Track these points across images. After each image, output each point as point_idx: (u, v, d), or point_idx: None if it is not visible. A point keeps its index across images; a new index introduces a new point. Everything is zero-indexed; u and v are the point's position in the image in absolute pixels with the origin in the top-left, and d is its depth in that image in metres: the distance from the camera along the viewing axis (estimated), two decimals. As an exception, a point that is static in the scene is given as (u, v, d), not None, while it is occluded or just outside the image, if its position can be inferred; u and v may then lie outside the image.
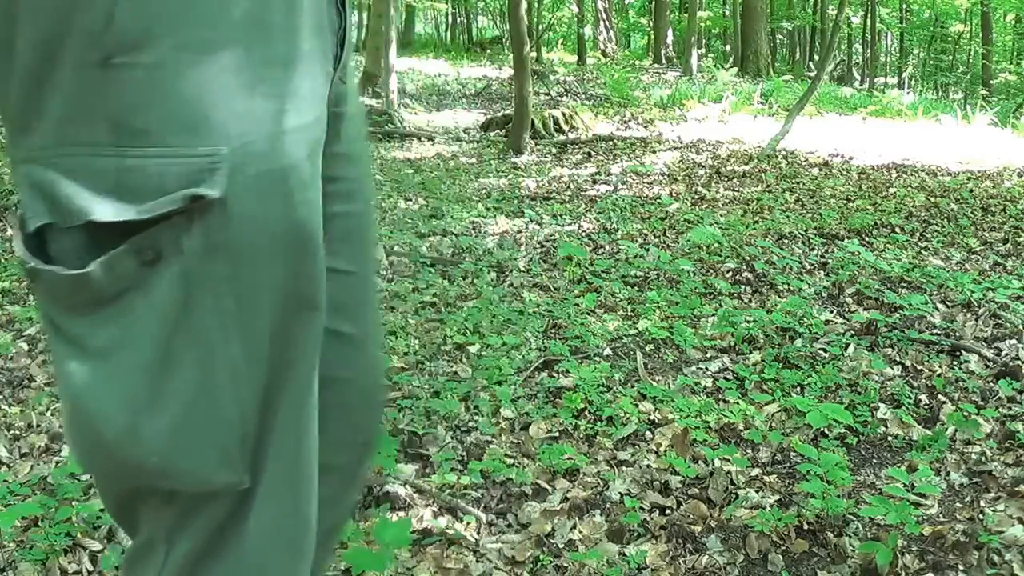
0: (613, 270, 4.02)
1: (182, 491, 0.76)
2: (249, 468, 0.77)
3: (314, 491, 0.86)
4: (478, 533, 1.95)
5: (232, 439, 0.75)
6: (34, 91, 0.69)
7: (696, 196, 6.06)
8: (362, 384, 1.07)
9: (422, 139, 8.97)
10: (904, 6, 25.74)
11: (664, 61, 19.77)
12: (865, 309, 3.55)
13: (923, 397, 2.68)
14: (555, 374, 2.81)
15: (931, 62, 25.69)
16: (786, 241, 4.72)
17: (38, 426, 2.42)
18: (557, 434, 2.42)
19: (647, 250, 4.40)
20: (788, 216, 5.35)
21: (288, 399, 0.78)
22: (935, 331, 3.27)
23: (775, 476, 2.22)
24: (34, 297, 0.73)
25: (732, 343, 3.11)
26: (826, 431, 2.44)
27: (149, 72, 0.68)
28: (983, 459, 2.31)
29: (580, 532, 1.96)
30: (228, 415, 0.74)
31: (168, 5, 0.68)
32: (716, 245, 4.49)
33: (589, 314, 3.41)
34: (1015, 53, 24.99)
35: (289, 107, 0.74)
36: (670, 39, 20.94)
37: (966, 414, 2.54)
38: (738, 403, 2.59)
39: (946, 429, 2.46)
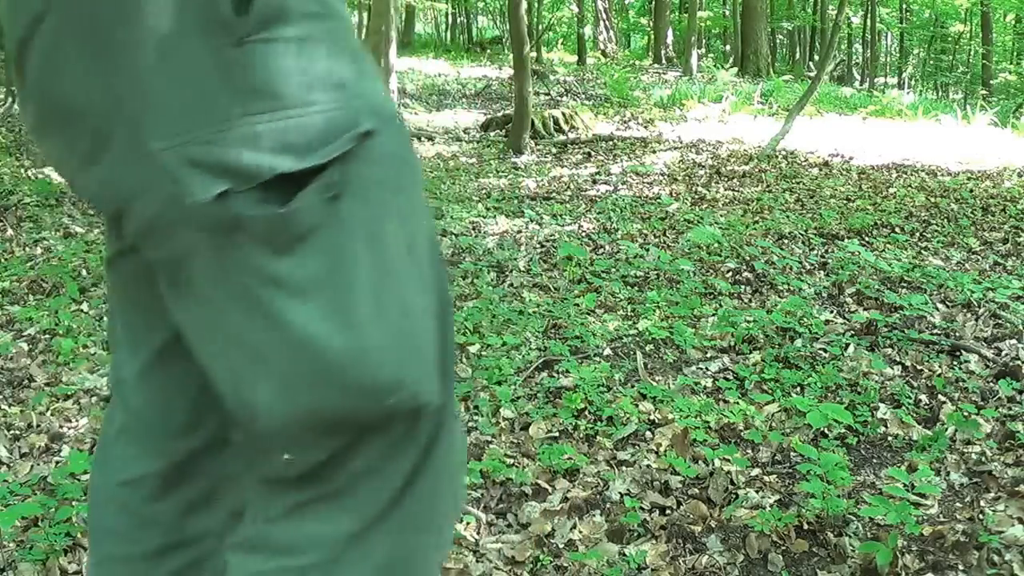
0: (613, 270, 4.02)
1: (399, 410, 0.83)
2: (442, 385, 0.86)
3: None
4: (478, 533, 1.95)
5: (432, 351, 0.85)
6: (170, 81, 0.75)
7: (696, 196, 6.06)
8: None
9: (422, 139, 8.97)
10: (904, 6, 25.75)
11: (664, 61, 19.77)
12: (865, 309, 3.55)
13: (923, 397, 2.68)
14: (555, 374, 2.81)
15: (931, 62, 25.69)
16: (786, 241, 4.72)
17: (38, 426, 2.42)
18: (557, 434, 2.42)
19: (647, 250, 4.40)
20: (788, 216, 5.35)
21: (448, 319, 0.88)
22: (935, 331, 3.27)
23: (775, 476, 2.22)
24: (230, 257, 0.79)
25: (732, 343, 3.11)
26: (826, 431, 2.44)
27: (300, 43, 0.78)
28: (983, 459, 2.31)
29: (580, 532, 1.96)
30: (427, 326, 0.85)
31: None
32: (716, 245, 4.49)
33: (589, 314, 3.41)
34: (1015, 53, 25.00)
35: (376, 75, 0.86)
36: (670, 39, 20.94)
37: (966, 414, 2.54)
38: (738, 403, 2.59)
39: (946, 429, 2.46)
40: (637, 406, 2.56)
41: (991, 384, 2.78)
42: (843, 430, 2.45)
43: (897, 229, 5.05)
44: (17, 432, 2.39)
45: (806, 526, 1.97)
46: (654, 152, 8.25)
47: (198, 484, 1.07)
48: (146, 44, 0.75)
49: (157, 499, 1.05)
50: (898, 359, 2.99)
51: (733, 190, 6.31)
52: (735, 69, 17.37)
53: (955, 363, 2.96)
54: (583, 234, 4.87)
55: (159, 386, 1.03)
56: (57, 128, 0.81)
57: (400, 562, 0.89)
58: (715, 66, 17.99)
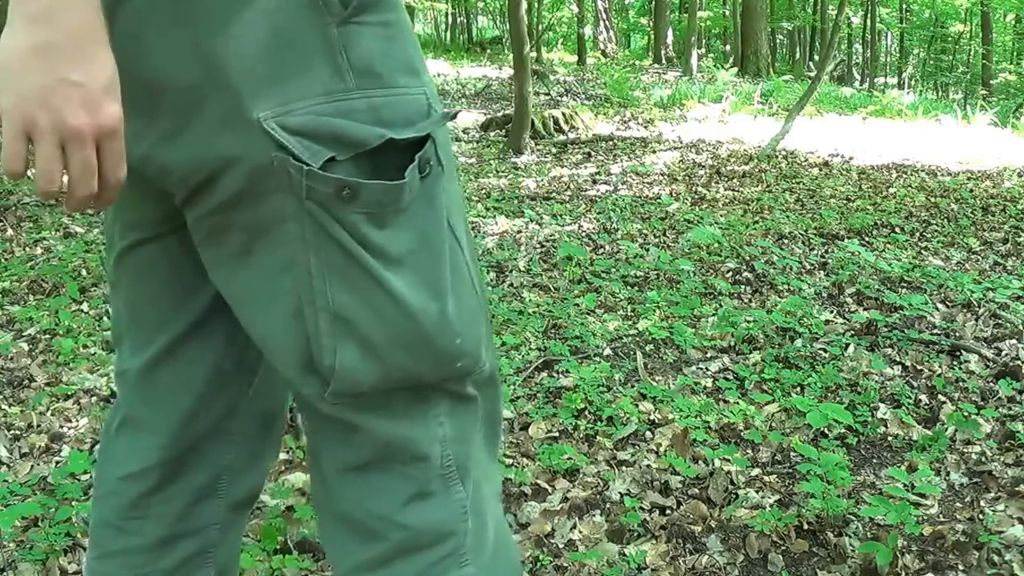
0: (613, 270, 4.02)
1: (464, 374, 0.91)
2: (487, 350, 0.94)
3: None
4: (478, 533, 1.95)
5: (484, 318, 0.93)
6: (274, 53, 0.79)
7: (696, 196, 6.06)
8: None
9: (422, 139, 8.96)
10: (904, 6, 25.76)
11: (664, 61, 19.77)
12: (865, 309, 3.55)
13: (923, 397, 2.68)
14: (555, 374, 2.81)
15: (931, 62, 25.70)
16: (786, 241, 4.72)
17: (38, 426, 2.42)
18: (557, 434, 2.42)
19: (647, 250, 4.40)
20: (788, 216, 5.36)
21: (486, 304, 0.97)
22: (935, 331, 3.27)
23: (775, 476, 2.22)
24: (331, 224, 0.82)
25: (732, 343, 3.11)
26: (826, 431, 2.44)
27: (387, 28, 0.84)
28: (983, 459, 2.31)
29: (580, 532, 1.96)
30: (480, 298, 0.93)
31: None
32: (716, 245, 4.49)
33: (589, 314, 3.41)
34: (1015, 53, 25.00)
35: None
36: (670, 39, 20.94)
37: (966, 414, 2.54)
38: (738, 403, 2.59)
39: (946, 429, 2.46)
40: (637, 406, 2.56)
41: (991, 384, 2.78)
42: (843, 430, 2.45)
43: (897, 229, 5.05)
44: (17, 432, 2.39)
45: (806, 526, 1.97)
46: (654, 152, 8.25)
47: (200, 476, 1.07)
48: (250, 15, 0.78)
49: (159, 492, 1.06)
50: (898, 359, 2.99)
51: (733, 190, 6.31)
52: (735, 69, 17.37)
53: (955, 363, 2.96)
54: (583, 234, 4.87)
55: (167, 379, 1.03)
56: (137, 106, 0.80)
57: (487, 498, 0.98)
58: (715, 66, 17.99)
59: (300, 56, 0.79)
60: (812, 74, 14.14)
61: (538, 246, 4.55)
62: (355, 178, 0.81)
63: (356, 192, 0.81)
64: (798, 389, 2.72)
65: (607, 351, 3.03)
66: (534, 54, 16.00)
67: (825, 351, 3.02)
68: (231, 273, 0.87)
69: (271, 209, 0.81)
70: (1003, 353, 3.04)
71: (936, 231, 5.06)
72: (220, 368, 1.03)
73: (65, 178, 0.77)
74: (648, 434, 2.43)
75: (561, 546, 1.91)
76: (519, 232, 4.88)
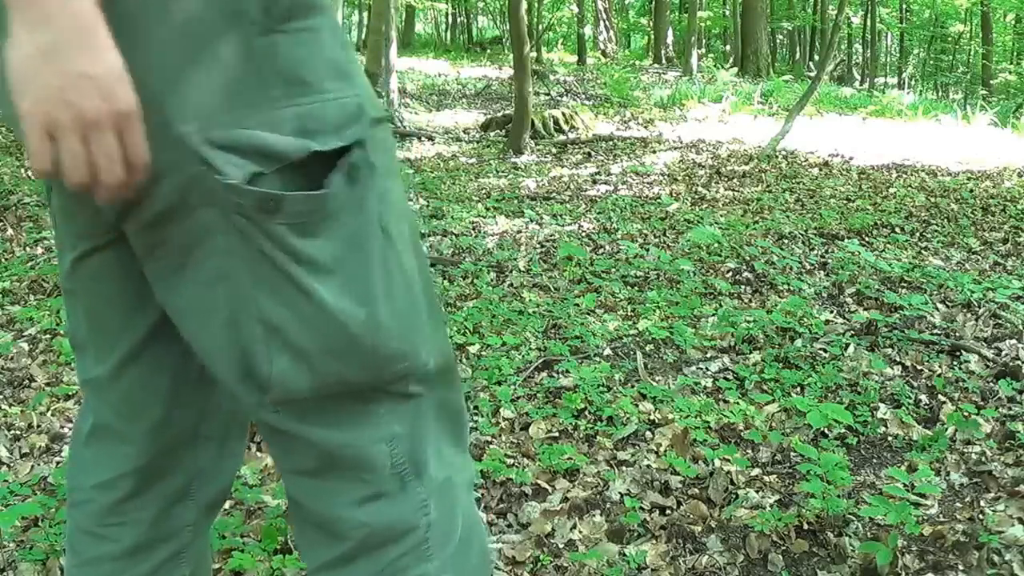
0: (613, 270, 4.02)
1: (407, 375, 0.91)
2: (432, 348, 0.94)
3: None
4: (478, 533, 1.95)
5: (426, 318, 0.93)
6: (196, 66, 0.78)
7: (696, 196, 6.06)
8: None
9: (422, 139, 8.98)
10: (904, 6, 25.76)
11: (664, 61, 19.77)
12: (865, 309, 3.55)
13: (923, 397, 2.68)
14: (555, 374, 2.81)
15: (931, 62, 25.70)
16: (786, 241, 4.72)
17: (38, 426, 2.42)
18: (557, 434, 2.42)
19: (647, 250, 4.40)
20: (788, 216, 5.35)
21: (431, 290, 0.96)
22: (935, 331, 3.27)
23: (775, 476, 2.22)
24: (258, 236, 0.83)
25: (732, 343, 3.11)
26: (826, 431, 2.44)
27: (313, 34, 0.83)
28: (983, 459, 2.31)
29: (580, 532, 1.96)
30: (420, 298, 0.92)
31: None
32: (716, 245, 4.49)
33: (589, 314, 3.41)
34: (1015, 53, 25.00)
35: None
36: (670, 39, 20.94)
37: (966, 414, 2.54)
38: (738, 403, 2.59)
39: (946, 429, 2.46)
40: (637, 406, 2.56)
41: (991, 384, 2.78)
42: (843, 430, 2.45)
43: (897, 229, 5.05)
44: (17, 432, 2.39)
45: (806, 526, 1.97)
46: (654, 152, 8.25)
47: (175, 480, 1.08)
48: (172, 28, 0.77)
49: (134, 498, 1.06)
50: (898, 359, 2.99)
51: (733, 190, 6.31)
52: (735, 69, 17.37)
53: (955, 363, 2.96)
54: (583, 234, 4.87)
55: (133, 385, 1.03)
56: None
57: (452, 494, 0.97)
58: (715, 66, 17.99)
59: (224, 69, 0.79)
60: (812, 74, 14.14)
61: (538, 246, 4.55)
62: (279, 190, 0.81)
63: (279, 204, 0.81)
64: (798, 389, 2.72)
65: (607, 351, 3.03)
66: (534, 54, 16.00)
67: (825, 351, 3.02)
68: (170, 287, 0.88)
69: (201, 223, 0.82)
70: (1003, 353, 3.04)
71: (936, 231, 5.06)
72: (186, 371, 1.04)
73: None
74: (648, 434, 2.43)
75: (561, 546, 1.91)
76: (519, 232, 4.88)
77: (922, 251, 4.61)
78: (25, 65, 0.72)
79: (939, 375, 2.84)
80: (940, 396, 2.69)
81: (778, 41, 26.64)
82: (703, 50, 22.13)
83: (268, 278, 0.84)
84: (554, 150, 8.39)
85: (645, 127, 10.13)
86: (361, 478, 0.92)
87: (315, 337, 0.86)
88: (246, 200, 0.80)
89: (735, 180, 6.70)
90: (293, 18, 0.81)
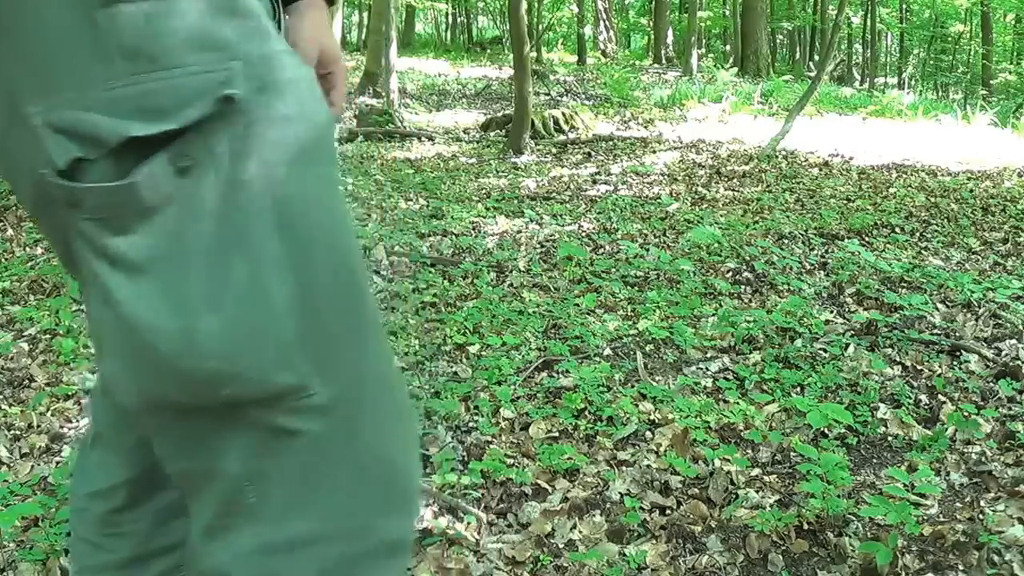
0: (613, 270, 4.02)
1: (245, 400, 0.76)
2: (318, 373, 0.77)
3: (406, 426, 0.86)
4: (478, 533, 1.95)
5: (289, 335, 0.76)
6: (39, 43, 0.72)
7: (696, 196, 6.06)
8: None
9: (422, 139, 8.98)
10: (904, 6, 25.76)
11: (664, 61, 19.77)
12: (865, 309, 3.55)
13: (923, 397, 2.68)
14: (555, 374, 2.81)
15: (931, 62, 25.70)
16: (786, 241, 4.72)
17: (38, 426, 2.42)
18: (557, 434, 2.42)
19: (647, 250, 4.40)
20: (788, 216, 5.36)
21: (351, 301, 0.80)
22: (935, 331, 3.27)
23: (775, 476, 2.22)
24: (77, 237, 0.75)
25: (732, 343, 3.11)
26: (826, 431, 2.44)
27: (157, 3, 0.72)
28: (983, 459, 2.31)
29: (580, 532, 1.96)
30: (281, 310, 0.75)
31: None
32: (716, 245, 4.49)
33: (589, 314, 3.41)
34: (1015, 53, 25.00)
35: (275, 36, 0.79)
36: (670, 39, 20.94)
37: (966, 414, 2.54)
38: (738, 403, 2.59)
39: (946, 429, 2.46)
40: (637, 406, 2.56)
41: (991, 384, 2.78)
42: (843, 430, 2.45)
43: (897, 229, 5.05)
44: (17, 432, 2.39)
45: (806, 526, 1.97)
46: (654, 152, 8.25)
47: (168, 494, 1.04)
48: (14, 6, 0.72)
49: (128, 510, 1.04)
50: (898, 359, 2.99)
51: (733, 190, 6.31)
52: (735, 69, 17.37)
53: (955, 363, 2.96)
54: (583, 234, 4.87)
55: None
56: None
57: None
58: (715, 66, 17.99)
59: (64, 45, 0.72)
60: (812, 74, 14.14)
61: (538, 246, 4.55)
62: (97, 180, 0.72)
63: (77, 197, 0.73)
64: (798, 389, 2.72)
65: (607, 351, 3.03)
66: (534, 54, 16.00)
67: (825, 351, 3.02)
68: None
69: (57, 218, 0.76)
70: (1003, 353, 3.04)
71: (936, 231, 5.06)
72: None
73: None
74: (648, 434, 2.43)
75: (561, 546, 1.91)
76: (519, 232, 4.88)
77: (922, 251, 4.61)
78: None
79: (939, 375, 2.84)
80: (940, 396, 2.69)
81: (778, 41, 26.64)
82: (703, 50, 22.13)
83: (91, 278, 0.76)
84: (554, 150, 8.39)
85: (645, 127, 10.13)
86: (204, 506, 0.81)
87: (122, 347, 0.76)
88: (56, 193, 0.73)
89: (735, 180, 6.70)
90: None
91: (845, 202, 5.87)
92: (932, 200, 5.94)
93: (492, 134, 9.43)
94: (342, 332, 0.79)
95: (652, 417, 2.51)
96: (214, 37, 0.74)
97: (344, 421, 0.79)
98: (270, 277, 0.74)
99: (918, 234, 4.98)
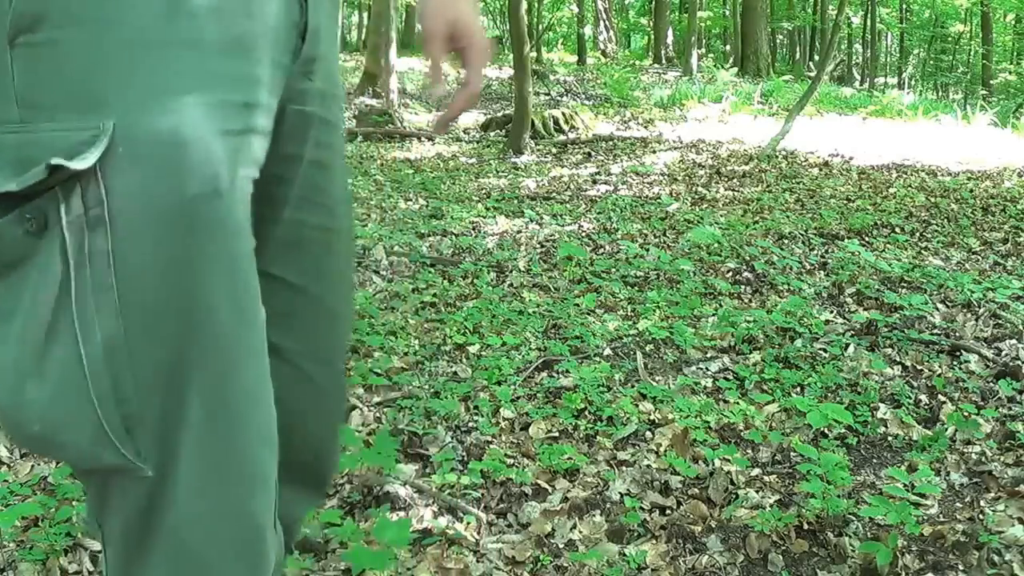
0: (613, 270, 4.02)
1: (81, 467, 0.77)
2: (150, 453, 0.75)
3: (264, 488, 0.82)
4: (478, 533, 1.95)
5: (110, 417, 0.74)
6: None
7: (696, 196, 6.06)
8: (316, 416, 1.03)
9: (422, 139, 8.98)
10: (904, 6, 25.76)
11: (664, 61, 19.78)
12: (865, 309, 3.55)
13: (923, 397, 2.68)
14: (555, 374, 2.81)
15: (931, 62, 25.70)
16: (786, 241, 4.72)
17: (38, 426, 2.42)
18: (557, 434, 2.42)
19: (647, 250, 4.40)
20: (788, 216, 5.36)
21: (202, 386, 0.75)
22: (935, 331, 3.27)
23: (775, 476, 2.22)
24: None
25: (732, 343, 3.11)
26: (826, 431, 2.44)
27: (47, 50, 0.70)
28: (983, 459, 2.31)
29: (580, 532, 1.96)
30: (103, 392, 0.73)
31: None
32: (716, 245, 4.49)
33: (589, 314, 3.41)
34: (1015, 53, 25.00)
35: (193, 83, 0.73)
36: (670, 39, 20.95)
37: (966, 414, 2.54)
38: (738, 403, 2.59)
39: (946, 429, 2.46)
40: (637, 406, 2.56)
41: (991, 384, 2.78)
42: (843, 430, 2.44)
43: (897, 229, 5.06)
44: (17, 432, 2.39)
45: (806, 526, 1.96)
46: (654, 152, 8.25)
47: None
48: None
49: None
50: (898, 359, 2.99)
51: (733, 190, 6.31)
52: (735, 69, 17.38)
53: (955, 363, 2.96)
54: (583, 234, 4.87)
55: None
56: None
57: None
58: (715, 66, 18.00)
59: None
60: (812, 74, 14.14)
61: (538, 246, 4.55)
62: None
63: None
64: (798, 389, 2.72)
65: (607, 351, 3.03)
66: (534, 54, 16.00)
67: (825, 351, 3.02)
68: None
69: None
70: (1003, 353, 3.04)
71: (936, 231, 5.06)
72: None
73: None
74: (648, 434, 2.43)
75: (561, 546, 1.91)
76: (519, 232, 4.88)
77: (922, 251, 4.61)
78: None
79: (939, 375, 2.84)
80: (940, 396, 2.69)
81: (778, 41, 26.64)
82: (703, 50, 22.13)
83: None
84: (554, 150, 8.39)
85: (645, 127, 10.13)
86: None
87: None
88: None
89: (735, 180, 6.70)
90: (32, 30, 0.70)
91: (845, 202, 5.87)
92: (932, 200, 5.94)
93: (492, 134, 9.43)
94: (197, 418, 0.76)
95: (652, 417, 2.51)
96: (95, 94, 0.70)
97: (158, 504, 0.77)
98: (98, 355, 0.72)
99: (918, 234, 4.98)
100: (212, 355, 0.76)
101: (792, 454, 2.32)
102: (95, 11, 0.71)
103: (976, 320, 3.41)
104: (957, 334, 3.24)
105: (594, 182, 6.62)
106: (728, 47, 23.79)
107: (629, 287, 3.78)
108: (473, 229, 4.97)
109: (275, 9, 0.82)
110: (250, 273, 0.78)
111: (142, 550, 0.78)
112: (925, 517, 2.03)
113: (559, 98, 12.51)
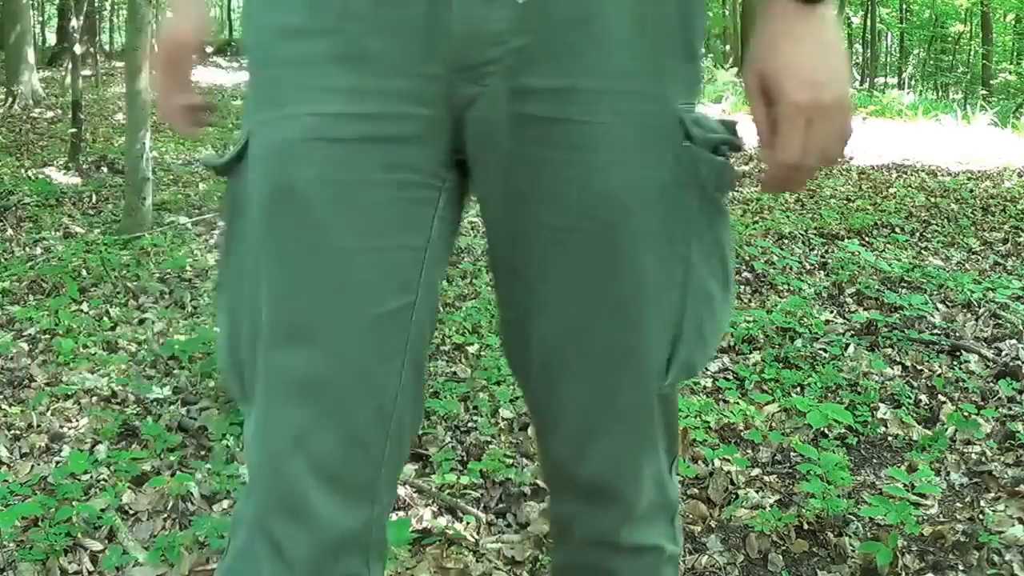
0: (613, 270, 4.01)
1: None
2: (252, 391, 0.90)
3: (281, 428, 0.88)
4: (478, 533, 1.95)
5: (232, 349, 0.92)
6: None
7: (696, 196, 6.05)
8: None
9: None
10: (904, 6, 25.75)
11: (664, 61, 19.74)
12: (865, 309, 3.55)
13: (923, 397, 2.68)
14: (555, 374, 2.80)
15: (931, 62, 25.70)
16: (786, 241, 4.72)
17: (38, 426, 2.42)
18: (557, 434, 2.41)
19: (647, 250, 4.39)
20: (788, 216, 5.35)
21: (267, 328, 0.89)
22: (935, 331, 3.27)
23: (775, 476, 2.22)
24: None
25: (732, 343, 3.11)
26: (826, 431, 2.44)
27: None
28: (983, 459, 2.31)
29: (580, 532, 1.96)
30: (225, 329, 0.92)
31: None
32: (716, 245, 4.48)
33: (589, 314, 3.40)
34: (1015, 53, 25.00)
35: (297, 98, 0.83)
36: (670, 39, 20.91)
37: (966, 414, 2.54)
38: (738, 403, 2.59)
39: (946, 429, 2.46)
40: (637, 406, 2.55)
41: (991, 384, 2.78)
42: (843, 430, 2.44)
43: (897, 229, 5.06)
44: (17, 432, 2.39)
45: (806, 526, 1.97)
46: (654, 152, 8.24)
47: None
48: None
49: None
50: (898, 359, 2.99)
51: (733, 190, 6.31)
52: (735, 69, 17.37)
53: (955, 363, 2.96)
54: (583, 234, 4.86)
55: None
56: None
57: None
58: (715, 66, 17.99)
59: None
60: (812, 74, 14.11)
61: (538, 246, 4.54)
62: None
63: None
64: (798, 389, 2.72)
65: (607, 351, 3.02)
66: (534, 54, 15.95)
67: (825, 351, 3.02)
68: None
69: None
70: (1003, 353, 3.04)
71: (936, 231, 5.06)
72: None
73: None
74: (648, 434, 2.42)
75: (561, 546, 1.91)
76: (519, 232, 4.87)
77: (922, 251, 4.61)
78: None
79: (939, 375, 2.84)
80: (940, 396, 2.69)
81: (778, 41, 26.57)
82: (703, 50, 22.11)
83: None
84: (554, 150, 8.38)
85: (645, 127, 10.13)
86: None
87: None
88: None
89: (735, 180, 6.70)
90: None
91: (845, 202, 5.87)
92: (932, 200, 5.94)
93: (492, 134, 9.43)
94: (251, 352, 0.90)
95: (652, 417, 2.51)
96: (246, 106, 0.92)
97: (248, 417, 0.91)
98: (224, 311, 0.92)
99: (918, 234, 4.98)
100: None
101: (792, 454, 2.32)
102: (246, 38, 0.87)
103: (976, 320, 3.41)
104: (957, 334, 3.24)
105: (594, 182, 6.62)
106: (728, 47, 23.80)
107: (629, 287, 3.78)
108: (472, 229, 4.97)
109: (410, 25, 0.80)
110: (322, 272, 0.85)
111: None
112: (925, 517, 2.03)
113: (559, 98, 12.50)
